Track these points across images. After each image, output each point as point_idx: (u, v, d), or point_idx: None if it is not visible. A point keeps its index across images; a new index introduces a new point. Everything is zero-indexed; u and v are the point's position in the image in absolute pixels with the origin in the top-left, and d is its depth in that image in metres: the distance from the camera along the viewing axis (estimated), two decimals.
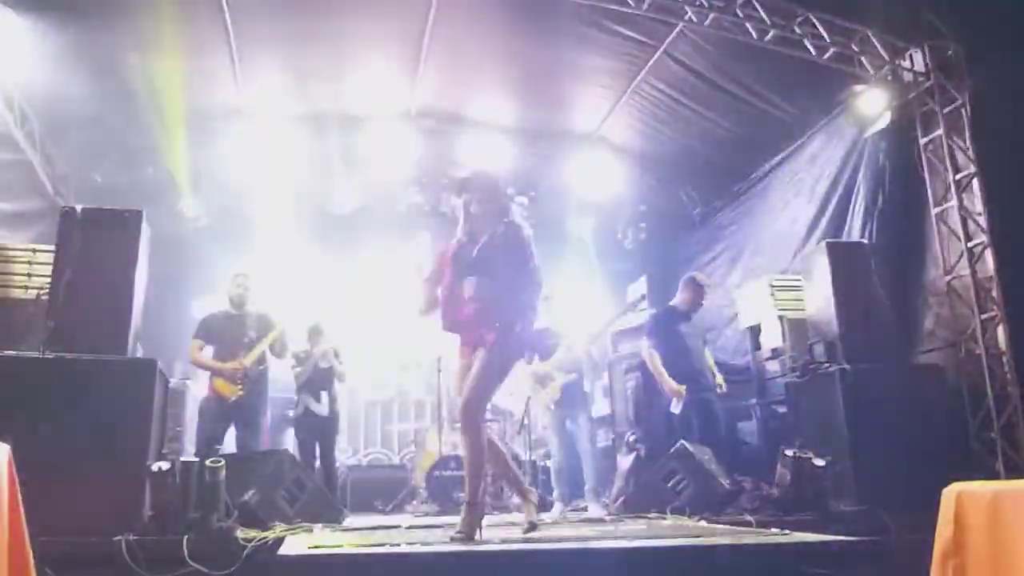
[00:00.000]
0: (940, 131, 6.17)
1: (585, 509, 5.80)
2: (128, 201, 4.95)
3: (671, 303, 6.26)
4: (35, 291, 5.01)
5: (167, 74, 7.26)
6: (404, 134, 8.78)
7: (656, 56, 7.31)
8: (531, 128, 8.96)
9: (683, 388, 5.71)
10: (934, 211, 6.16)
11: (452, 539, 3.40)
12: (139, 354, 4.78)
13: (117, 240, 4.66)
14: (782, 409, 6.19)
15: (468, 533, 3.49)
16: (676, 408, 5.73)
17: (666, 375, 5.79)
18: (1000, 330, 5.60)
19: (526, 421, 8.32)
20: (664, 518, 4.55)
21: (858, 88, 6.71)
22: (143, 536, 3.79)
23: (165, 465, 4.04)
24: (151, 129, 7.85)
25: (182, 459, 4.17)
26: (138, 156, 8.34)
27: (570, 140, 9.14)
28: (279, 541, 3.72)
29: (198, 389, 6.60)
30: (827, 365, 5.38)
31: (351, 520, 5.05)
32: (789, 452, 4.79)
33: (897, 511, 4.62)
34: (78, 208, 4.56)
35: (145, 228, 4.82)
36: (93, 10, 6.21)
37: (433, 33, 7.24)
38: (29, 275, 5.11)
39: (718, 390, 6.01)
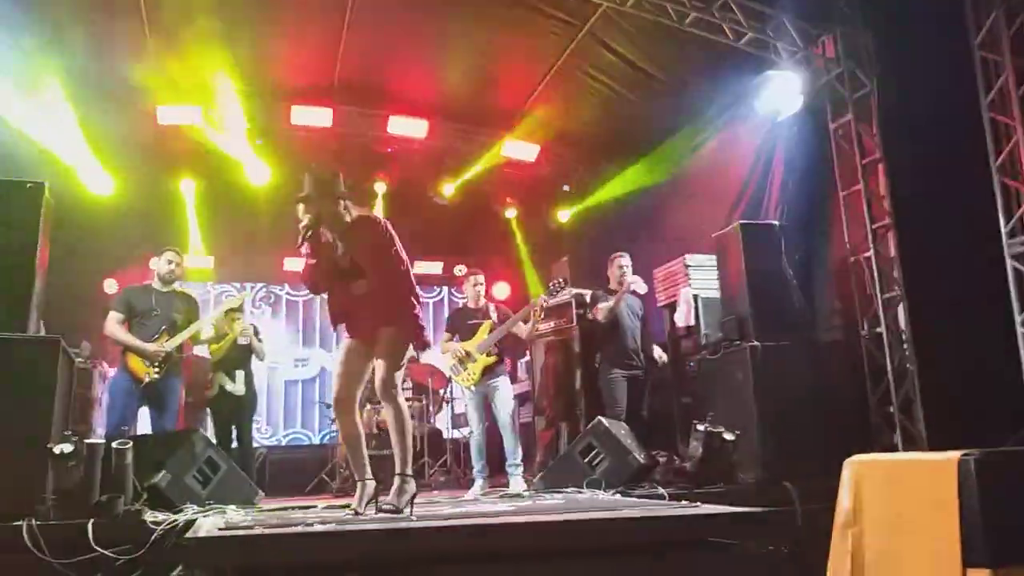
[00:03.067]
0: (849, 116, 6.39)
1: (506, 485, 5.87)
2: (32, 173, 4.70)
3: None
4: None
5: (76, 42, 6.93)
6: (325, 108, 8.62)
7: (579, 36, 7.35)
8: (456, 106, 8.91)
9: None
10: (842, 194, 6.39)
11: (380, 510, 3.43)
12: (42, 331, 4.58)
13: (17, 212, 4.44)
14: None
15: (396, 506, 3.54)
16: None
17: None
18: (900, 309, 5.87)
19: (448, 399, 8.38)
20: (581, 492, 4.64)
21: (773, 73, 6.89)
22: (45, 521, 3.65)
23: (68, 447, 3.89)
24: (64, 97, 7.51)
25: (87, 441, 4.02)
26: (48, 125, 7.93)
27: (495, 118, 9.13)
28: (190, 524, 3.64)
29: (109, 368, 6.38)
30: (738, 342, 5.55)
31: (267, 502, 4.97)
32: (700, 427, 4.94)
33: (801, 483, 4.83)
34: None
35: (48, 200, 4.59)
36: None
37: (356, 6, 7.10)
38: None
39: (659, 362, 6.29)
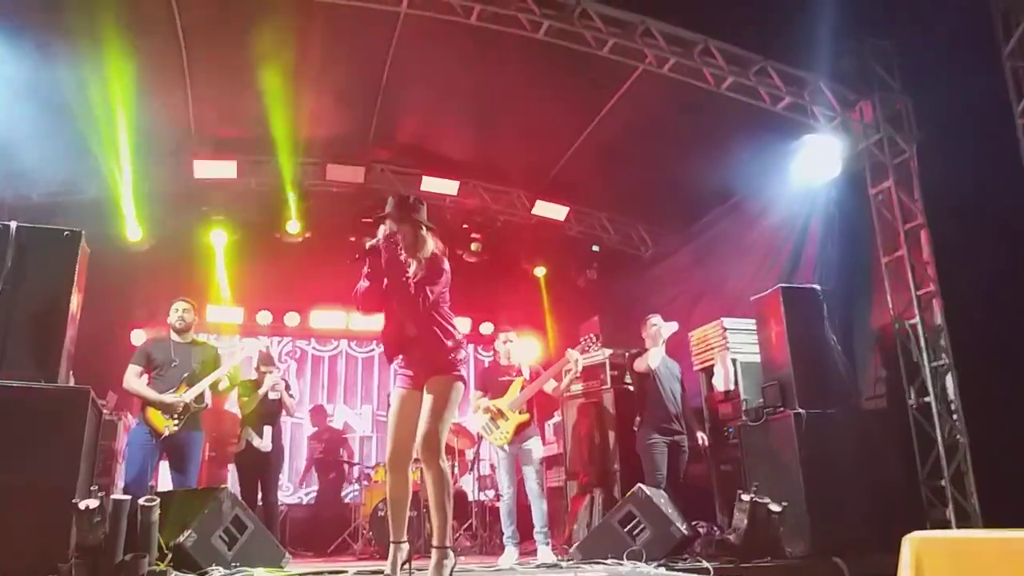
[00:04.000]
0: (889, 182, 6.31)
1: (534, 553, 5.65)
2: (67, 222, 4.68)
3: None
4: None
5: (115, 96, 7.04)
6: (358, 167, 8.69)
7: (615, 99, 7.38)
8: (488, 165, 8.95)
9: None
10: (884, 260, 6.27)
11: None
12: (71, 382, 4.49)
13: (53, 261, 4.39)
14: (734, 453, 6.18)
15: None
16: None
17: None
18: (949, 378, 5.69)
19: (475, 460, 8.17)
20: (621, 564, 4.43)
21: (809, 137, 6.85)
22: None
23: (94, 503, 3.76)
24: (94, 150, 7.60)
25: (113, 497, 3.89)
26: (79, 177, 8.03)
27: (526, 178, 9.14)
28: None
29: (133, 420, 6.27)
30: (781, 409, 5.37)
31: (294, 564, 4.79)
32: (746, 497, 4.74)
33: (850, 557, 4.61)
34: (12, 225, 4.30)
35: (84, 249, 4.56)
36: (38, 29, 5.99)
37: (391, 67, 7.18)
38: None
39: (701, 443, 6.18)
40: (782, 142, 6.97)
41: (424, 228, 3.81)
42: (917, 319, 5.88)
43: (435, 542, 3.55)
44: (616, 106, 7.48)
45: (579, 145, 8.24)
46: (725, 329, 6.63)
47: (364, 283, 3.79)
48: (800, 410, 5.22)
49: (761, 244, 7.40)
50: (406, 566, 3.60)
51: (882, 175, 6.39)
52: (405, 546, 3.66)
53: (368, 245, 3.74)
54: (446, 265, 3.79)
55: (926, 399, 5.70)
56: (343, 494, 9.11)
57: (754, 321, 6.10)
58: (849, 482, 5.04)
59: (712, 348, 6.73)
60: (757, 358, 6.05)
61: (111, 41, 6.35)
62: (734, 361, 6.42)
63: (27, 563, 3.51)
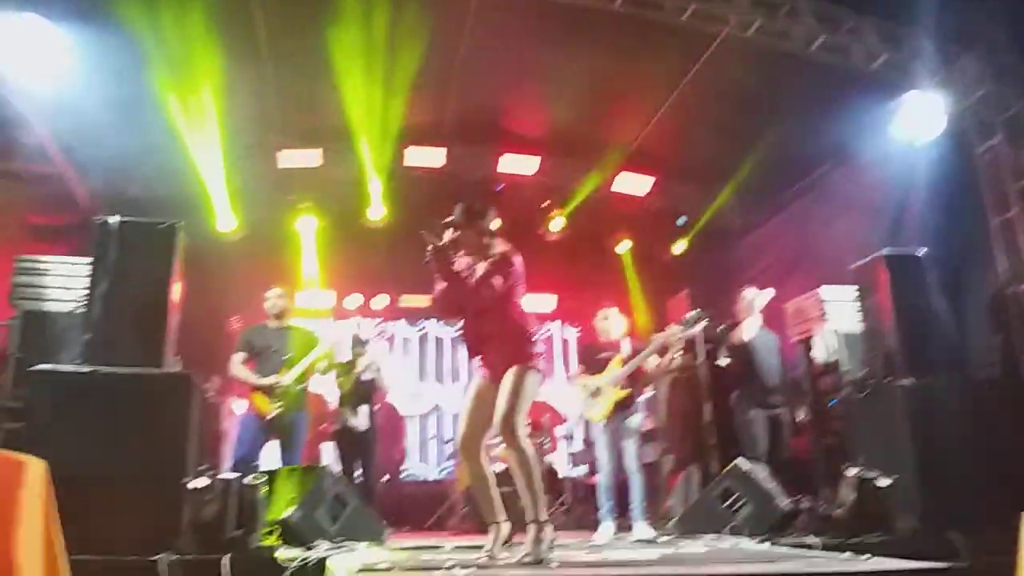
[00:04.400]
0: (997, 139, 5.93)
1: (629, 529, 5.59)
2: (165, 214, 4.84)
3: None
4: (70, 304, 4.92)
5: (202, 90, 7.24)
6: (439, 149, 8.71)
7: (698, 66, 7.15)
8: (567, 140, 8.83)
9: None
10: (993, 220, 5.90)
11: (522, 563, 3.24)
12: (177, 367, 4.66)
13: (153, 252, 4.53)
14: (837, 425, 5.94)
15: (537, 555, 3.35)
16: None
17: None
18: None
19: (566, 436, 8.16)
20: (722, 539, 4.32)
21: (909, 95, 6.48)
22: (182, 555, 3.64)
23: (203, 482, 3.91)
24: (188, 143, 7.85)
25: (221, 476, 4.02)
26: (175, 169, 8.32)
27: (607, 151, 8.99)
28: (321, 561, 3.56)
29: (238, 404, 6.51)
30: (888, 379, 5.12)
31: (394, 540, 4.87)
32: (852, 471, 4.54)
33: (966, 532, 4.37)
34: (114, 219, 4.46)
35: (181, 240, 4.70)
36: (132, 23, 6.19)
37: (467, 46, 7.14)
38: (65, 288, 5.02)
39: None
40: (879, 102, 6.62)
41: (488, 235, 3.86)
42: None
43: (528, 517, 3.54)
44: (699, 74, 7.26)
45: (661, 116, 8.04)
46: (823, 299, 6.37)
47: (439, 285, 3.86)
48: (908, 380, 4.96)
49: (859, 209, 7.07)
50: (507, 544, 3.62)
51: (989, 132, 6.03)
52: (506, 524, 3.68)
53: (432, 248, 3.78)
54: (516, 262, 3.82)
55: None
56: (439, 470, 9.25)
57: (854, 289, 5.82)
58: (961, 454, 4.73)
59: (810, 319, 6.48)
60: (858, 328, 5.78)
61: (198, 36, 6.53)
62: (834, 332, 6.16)
63: (143, 540, 3.64)
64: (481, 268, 3.80)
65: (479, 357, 3.90)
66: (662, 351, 5.81)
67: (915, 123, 6.44)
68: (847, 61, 6.37)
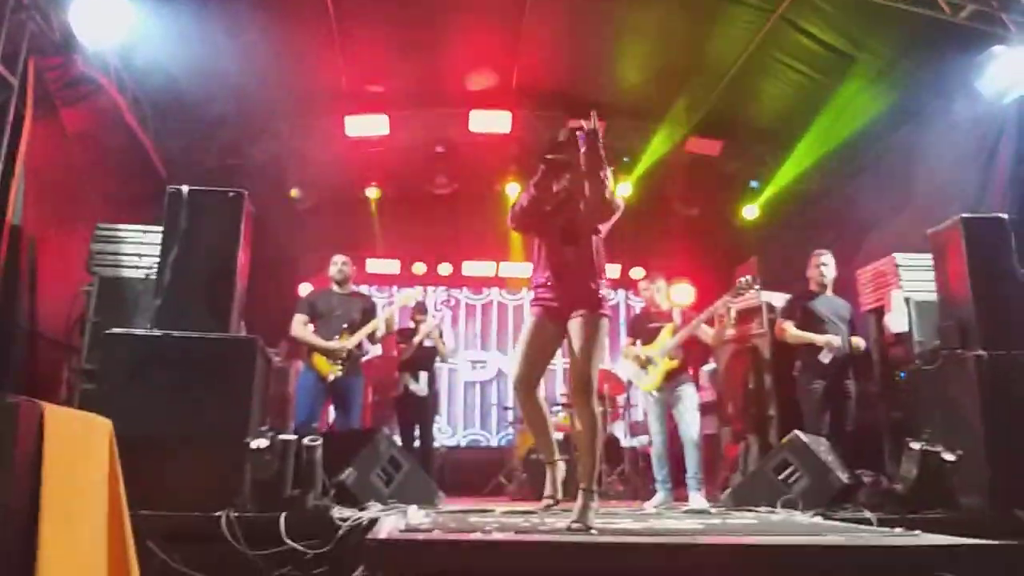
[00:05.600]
0: None
1: (685, 499, 5.55)
2: (238, 183, 4.99)
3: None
4: (144, 270, 5.15)
5: (276, 57, 7.37)
6: (504, 112, 8.66)
7: (772, 22, 6.88)
8: (635, 103, 8.65)
9: (835, 338, 5.53)
10: None
11: (569, 530, 3.19)
12: (242, 332, 4.83)
13: (221, 220, 4.67)
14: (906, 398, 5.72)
15: (585, 523, 3.28)
16: (825, 358, 5.52)
17: (810, 334, 5.60)
18: None
19: (626, 406, 8.13)
20: (775, 512, 4.25)
21: (998, 49, 6.07)
22: (242, 512, 3.81)
23: (264, 442, 4.05)
24: (260, 112, 8.05)
25: (280, 437, 4.17)
26: (247, 139, 8.55)
27: (677, 113, 8.77)
28: (373, 522, 3.67)
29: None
30: (960, 351, 4.89)
31: (447, 503, 4.98)
32: (916, 445, 4.38)
33: None
34: (184, 189, 4.63)
35: (248, 209, 4.84)
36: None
37: (531, 10, 7.05)
38: (139, 255, 5.26)
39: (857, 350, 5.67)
40: (964, 56, 6.22)
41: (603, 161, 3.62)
42: None
43: (582, 484, 3.49)
44: (772, 30, 6.97)
45: (732, 76, 7.79)
46: (897, 266, 6.10)
47: (526, 197, 3.68)
48: (982, 352, 4.72)
49: (940, 170, 6.69)
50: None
51: None
52: (561, 464, 3.75)
53: (551, 158, 3.60)
54: (620, 202, 3.66)
55: None
56: (499, 437, 9.38)
57: (931, 256, 5.56)
58: None
59: (883, 287, 6.23)
60: (934, 296, 5.52)
61: (269, 6, 6.64)
62: (907, 300, 5.90)
63: (207, 497, 3.82)
64: (590, 193, 3.57)
65: (547, 286, 3.69)
66: (712, 321, 5.68)
67: (1002, 79, 6.03)
68: (932, 11, 6.01)
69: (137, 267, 5.22)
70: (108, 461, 2.87)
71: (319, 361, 5.75)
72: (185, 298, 4.46)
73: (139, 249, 5.29)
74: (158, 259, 4.59)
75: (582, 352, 3.49)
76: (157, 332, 4.30)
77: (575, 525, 3.26)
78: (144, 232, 5.31)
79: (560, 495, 3.52)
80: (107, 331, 4.36)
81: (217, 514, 3.69)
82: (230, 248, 4.67)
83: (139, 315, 4.77)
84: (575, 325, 3.55)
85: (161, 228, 4.64)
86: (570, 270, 3.63)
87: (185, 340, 4.26)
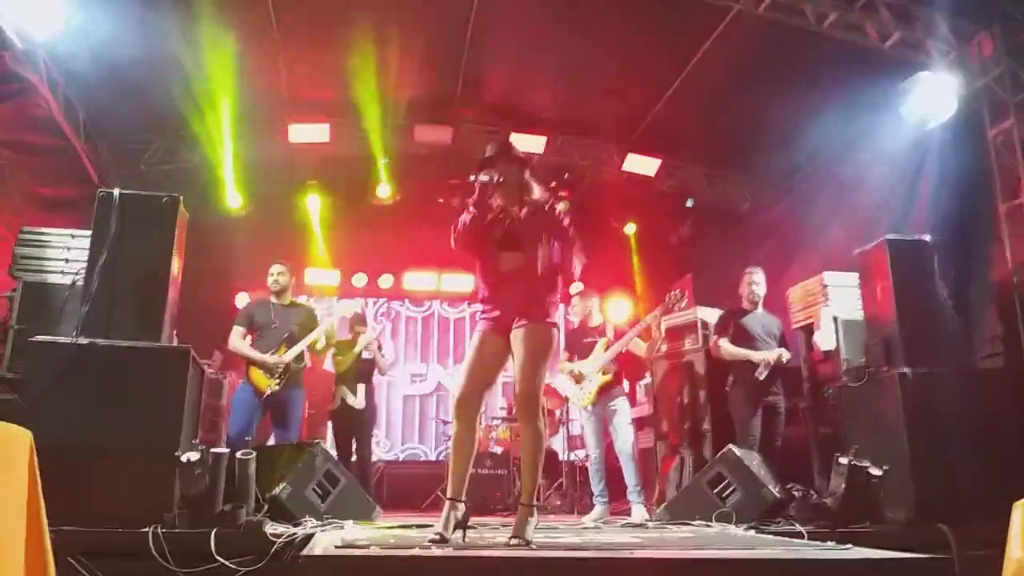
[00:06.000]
0: (1010, 122, 5.82)
1: (628, 512, 5.61)
2: (172, 189, 4.85)
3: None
4: (71, 276, 4.95)
5: (213, 63, 7.23)
6: (446, 128, 8.67)
7: (706, 45, 7.06)
8: (575, 120, 8.77)
9: (771, 354, 5.65)
10: (1002, 207, 5.81)
11: (508, 545, 3.16)
12: (174, 342, 4.69)
13: (153, 225, 4.54)
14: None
15: (524, 538, 3.23)
16: (761, 375, 5.63)
17: (746, 351, 5.72)
18: None
19: (564, 420, 8.17)
20: (710, 526, 4.32)
21: (922, 75, 6.37)
22: (171, 528, 3.68)
23: (195, 456, 3.93)
24: (197, 118, 7.86)
25: (212, 450, 4.06)
26: (183, 146, 8.35)
27: (615, 132, 8.92)
28: (308, 538, 3.59)
29: (237, 379, 6.56)
30: (885, 369, 5.07)
31: (384, 518, 4.91)
32: (844, 460, 4.51)
33: (959, 526, 4.33)
34: (115, 192, 4.48)
35: (182, 214, 4.72)
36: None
37: (476, 24, 7.09)
38: (66, 260, 5.05)
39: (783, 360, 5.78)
40: (890, 82, 6.50)
41: (528, 171, 3.68)
42: None
43: (523, 500, 3.45)
44: (709, 52, 7.17)
45: (671, 95, 7.97)
46: (825, 285, 6.29)
47: (467, 216, 3.59)
48: (906, 369, 4.91)
49: (867, 193, 6.96)
50: (459, 530, 3.39)
51: (1003, 114, 5.89)
52: (461, 507, 3.42)
53: (478, 179, 3.55)
54: (563, 214, 3.60)
55: None
56: (437, 451, 9.31)
57: (857, 276, 5.76)
58: (958, 446, 4.69)
59: (812, 305, 6.42)
60: (860, 315, 5.72)
61: (207, 9, 6.51)
62: (835, 318, 6.09)
63: (134, 512, 3.68)
64: (522, 207, 3.57)
65: (489, 302, 3.61)
66: (645, 335, 5.78)
67: (926, 105, 6.33)
68: (860, 39, 6.26)
69: (64, 272, 5.00)
70: (28, 473, 2.74)
71: (256, 375, 5.61)
72: (114, 305, 4.31)
73: (66, 254, 5.08)
74: (86, 264, 4.43)
75: (526, 364, 3.42)
76: (83, 340, 4.14)
77: (515, 540, 3.23)
78: (72, 236, 5.11)
79: (450, 535, 3.28)
80: (30, 338, 4.19)
81: (144, 530, 3.57)
82: (162, 254, 4.55)
83: (65, 322, 4.58)
84: (518, 336, 3.48)
85: (90, 232, 4.48)
86: (511, 278, 3.54)
87: (113, 349, 4.13)
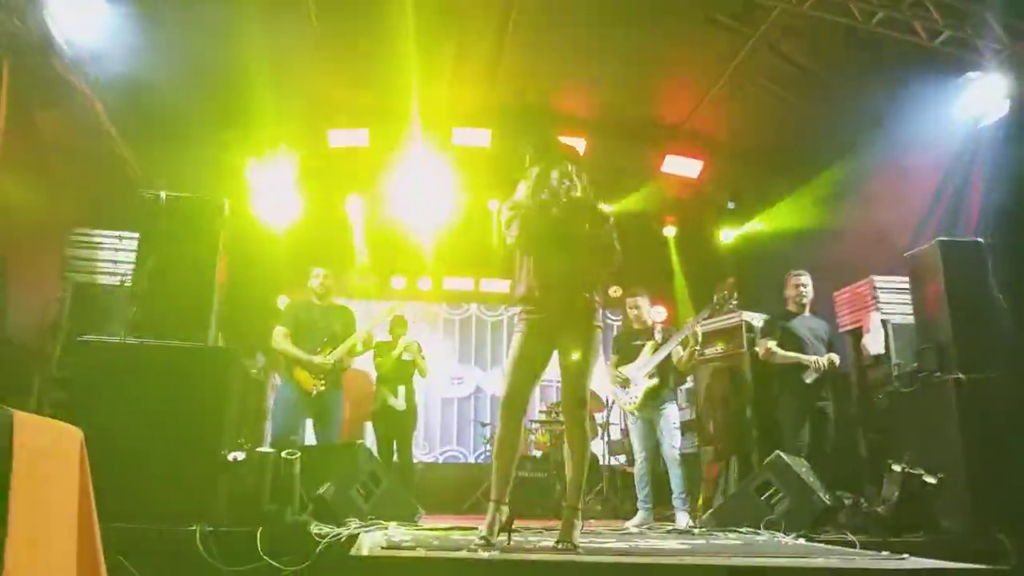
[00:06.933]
0: None
1: (671, 518, 5.53)
2: (216, 192, 4.89)
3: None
4: (120, 277, 5.04)
5: (253, 65, 7.29)
6: (484, 130, 8.67)
7: (751, 43, 6.96)
8: (616, 121, 8.70)
9: (822, 359, 5.52)
10: None
11: (556, 549, 3.13)
12: (220, 343, 4.74)
13: (199, 227, 4.60)
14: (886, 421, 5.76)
15: (571, 542, 3.19)
16: (809, 378, 5.51)
17: (796, 354, 5.60)
18: None
19: (604, 424, 8.10)
20: (758, 533, 4.23)
21: (973, 75, 6.21)
22: (217, 527, 3.71)
23: (241, 455, 3.97)
24: (239, 121, 7.95)
25: (258, 450, 4.09)
26: (226, 149, 8.43)
27: (656, 133, 8.84)
28: (353, 538, 3.59)
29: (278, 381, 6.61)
30: (938, 374, 4.94)
31: (425, 520, 4.90)
32: (897, 467, 4.40)
33: (1017, 535, 4.20)
34: (162, 194, 4.54)
35: (227, 217, 4.77)
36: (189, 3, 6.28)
37: (516, 23, 7.07)
38: (115, 262, 5.16)
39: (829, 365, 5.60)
40: (940, 82, 6.35)
41: (577, 166, 3.58)
42: None
43: (571, 503, 3.39)
44: (752, 52, 7.06)
45: (713, 95, 7.86)
46: (875, 287, 6.17)
47: (538, 197, 3.49)
48: (960, 375, 4.77)
49: (916, 194, 6.80)
50: (504, 534, 3.32)
51: None
52: (506, 509, 3.35)
53: (530, 172, 3.53)
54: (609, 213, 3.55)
55: None
56: (475, 454, 9.30)
57: (908, 279, 5.62)
58: (1014, 453, 4.56)
59: (861, 308, 6.29)
60: (911, 319, 5.58)
61: (247, 9, 6.58)
62: (885, 322, 5.96)
63: (180, 510, 3.72)
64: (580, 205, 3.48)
65: (536, 302, 3.51)
66: (685, 342, 5.66)
67: (977, 104, 6.17)
68: (908, 37, 6.13)
69: (113, 274, 5.12)
70: (79, 471, 2.77)
71: (301, 375, 5.63)
72: (161, 306, 4.36)
73: (115, 256, 5.19)
74: (133, 265, 4.49)
75: (575, 366, 3.40)
76: (132, 340, 4.20)
77: (562, 544, 3.19)
78: (120, 238, 5.21)
79: (495, 539, 3.22)
80: (80, 338, 4.26)
81: (191, 528, 3.61)
82: (209, 256, 4.60)
83: (114, 322, 4.66)
84: (566, 337, 3.45)
85: (138, 234, 4.54)
86: (559, 279, 3.47)
87: (161, 349, 4.18)
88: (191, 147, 8.18)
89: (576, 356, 3.41)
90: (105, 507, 2.85)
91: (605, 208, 3.55)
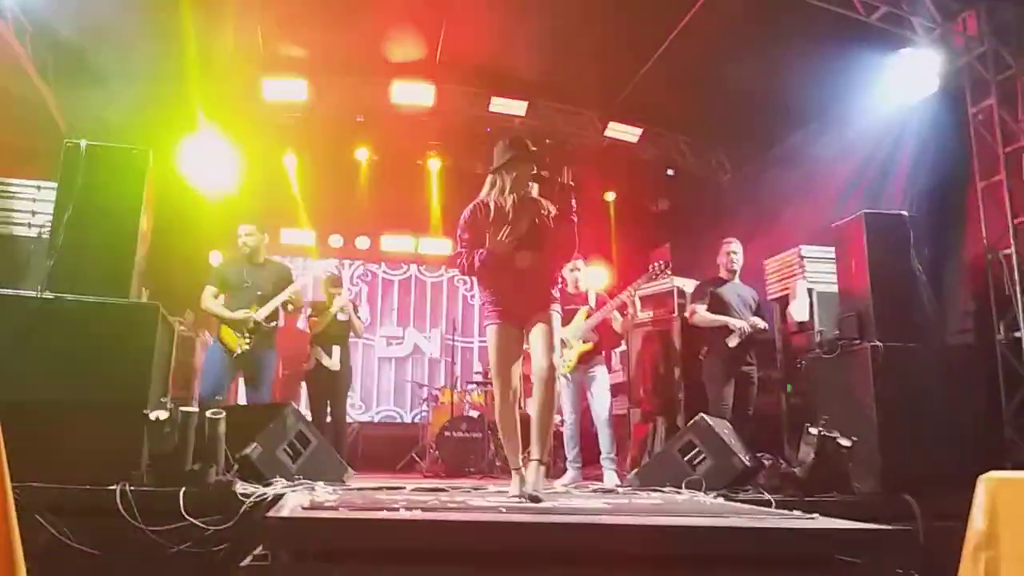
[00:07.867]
0: (991, 100, 5.83)
1: (596, 477, 5.66)
2: (143, 143, 4.70)
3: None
4: (37, 229, 4.83)
5: (188, 14, 7.02)
6: (428, 84, 8.53)
7: (692, 12, 6.97)
8: (558, 85, 8.66)
9: (744, 322, 5.68)
10: (980, 185, 5.85)
11: (532, 499, 3.44)
12: (144, 299, 4.61)
13: (122, 179, 4.43)
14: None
15: (539, 495, 3.52)
16: (732, 341, 5.67)
17: (722, 317, 5.75)
18: None
19: None
20: (679, 492, 4.36)
21: (906, 51, 6.35)
22: (139, 486, 3.65)
23: (163, 414, 3.89)
24: (171, 70, 7.66)
25: (182, 408, 4.02)
26: (154, 99, 8.12)
27: (598, 98, 8.83)
28: (278, 498, 3.57)
29: (210, 338, 6.48)
30: (857, 341, 5.11)
31: (358, 479, 4.91)
32: (813, 430, 4.56)
33: (924, 497, 4.41)
34: (82, 143, 4.36)
35: (151, 167, 4.60)
36: None
37: None
38: (33, 212, 4.92)
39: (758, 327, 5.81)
40: (873, 57, 6.49)
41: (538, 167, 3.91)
42: (1012, 249, 5.49)
43: (539, 457, 3.73)
44: (693, 20, 7.07)
45: (654, 63, 7.87)
46: (803, 257, 6.32)
47: (517, 225, 3.75)
48: (878, 343, 4.95)
49: (846, 167, 6.98)
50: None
51: (983, 93, 5.91)
52: (524, 468, 3.80)
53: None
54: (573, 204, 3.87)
55: (1016, 334, 5.36)
56: (412, 413, 9.32)
57: (834, 249, 5.78)
58: (926, 419, 4.78)
59: (788, 276, 6.45)
60: (835, 288, 5.76)
61: None
62: (811, 291, 6.13)
63: (101, 470, 3.65)
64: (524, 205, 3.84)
65: (505, 300, 3.84)
66: (622, 309, 5.77)
67: (908, 81, 6.33)
68: (846, 11, 6.21)
69: (30, 225, 4.88)
70: None
71: (226, 333, 5.52)
72: (80, 260, 4.21)
73: (32, 206, 4.94)
74: (52, 217, 4.32)
75: (547, 347, 3.74)
76: (49, 295, 4.06)
77: (532, 492, 3.53)
78: (39, 188, 4.97)
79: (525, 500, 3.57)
80: None
81: (112, 487, 3.54)
82: (132, 209, 4.44)
83: (30, 276, 4.48)
84: (536, 324, 3.79)
85: (56, 184, 4.36)
86: (526, 276, 3.79)
87: (80, 304, 4.05)
88: (119, 93, 7.88)
89: (545, 339, 3.76)
90: (21, 466, 2.77)
91: (572, 205, 3.83)
